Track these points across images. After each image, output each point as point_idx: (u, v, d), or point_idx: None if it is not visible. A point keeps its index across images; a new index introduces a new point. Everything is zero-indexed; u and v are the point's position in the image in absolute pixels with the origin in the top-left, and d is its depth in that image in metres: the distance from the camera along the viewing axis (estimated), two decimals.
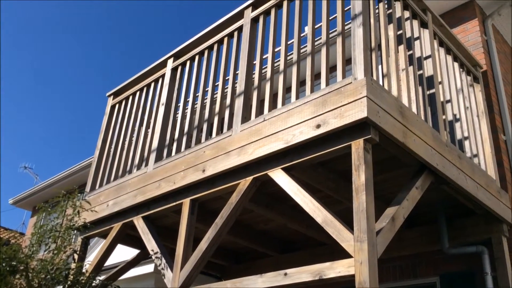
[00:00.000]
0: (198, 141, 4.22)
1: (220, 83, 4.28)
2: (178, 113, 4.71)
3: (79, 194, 4.79)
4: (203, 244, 3.55)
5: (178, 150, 4.33)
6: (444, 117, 3.92)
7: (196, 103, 4.50)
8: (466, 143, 4.14)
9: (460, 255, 4.26)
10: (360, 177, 2.73)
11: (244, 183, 3.50)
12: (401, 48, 3.66)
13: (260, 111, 3.76)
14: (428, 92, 3.81)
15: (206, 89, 4.49)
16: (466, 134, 4.16)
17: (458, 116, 4.16)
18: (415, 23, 4.04)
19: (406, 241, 4.48)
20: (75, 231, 4.34)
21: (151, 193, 4.20)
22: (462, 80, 4.48)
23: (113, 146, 5.25)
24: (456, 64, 4.47)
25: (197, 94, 4.59)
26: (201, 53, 4.63)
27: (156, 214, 4.30)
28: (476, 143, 4.24)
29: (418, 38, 3.99)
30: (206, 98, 4.44)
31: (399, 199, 3.05)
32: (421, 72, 3.81)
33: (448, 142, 3.64)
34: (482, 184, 3.86)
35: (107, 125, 5.55)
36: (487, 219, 4.07)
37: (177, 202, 3.99)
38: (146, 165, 4.58)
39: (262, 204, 4.36)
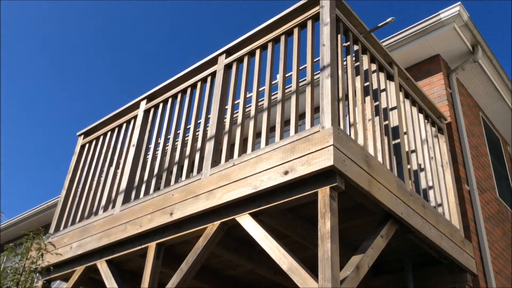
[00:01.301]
0: (168, 183, 4.20)
1: (192, 126, 4.32)
2: (148, 155, 4.70)
3: (44, 236, 4.67)
4: None
5: (147, 192, 4.30)
6: (409, 166, 4.02)
7: (167, 146, 4.51)
8: (431, 192, 4.24)
9: None
10: (325, 224, 2.76)
11: (212, 227, 3.48)
12: (368, 99, 3.79)
13: (230, 155, 3.79)
14: (393, 142, 3.93)
15: (178, 132, 4.52)
16: (430, 184, 4.27)
17: (422, 166, 4.28)
18: (382, 75, 4.21)
19: None
20: (37, 274, 4.19)
21: (116, 236, 4.12)
22: (427, 131, 4.63)
23: (80, 186, 5.17)
24: (421, 116, 4.64)
25: (168, 137, 4.61)
26: (174, 96, 4.69)
27: (121, 257, 4.21)
28: (440, 193, 4.34)
29: (385, 90, 4.15)
30: (177, 141, 4.46)
31: (364, 247, 3.07)
32: (387, 122, 3.93)
33: (413, 191, 3.72)
34: (446, 234, 3.93)
35: (76, 165, 5.48)
36: (452, 268, 4.13)
37: (143, 246, 3.92)
38: (113, 207, 4.51)
39: (230, 249, 4.32)
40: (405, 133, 4.23)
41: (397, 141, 3.93)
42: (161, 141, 4.59)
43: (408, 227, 3.47)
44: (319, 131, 3.07)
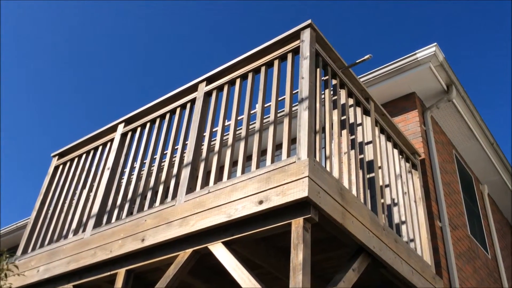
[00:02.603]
0: (141, 209, 4.14)
1: (168, 152, 4.30)
2: (123, 179, 4.65)
3: (8, 256, 4.52)
4: None
5: (119, 217, 4.23)
6: (382, 200, 4.07)
7: (143, 170, 4.47)
8: (403, 227, 4.28)
9: None
10: (298, 256, 2.75)
11: (183, 255, 3.43)
12: (344, 132, 3.85)
13: (205, 183, 3.77)
14: (368, 176, 3.98)
15: (154, 157, 4.50)
16: (403, 219, 4.31)
17: (396, 201, 4.33)
18: (358, 110, 4.29)
19: None
20: None
21: (85, 260, 4.02)
22: (401, 167, 4.71)
23: (51, 208, 5.06)
24: (395, 151, 4.72)
25: (144, 161, 4.58)
26: (152, 121, 4.68)
27: (89, 283, 4.09)
28: (413, 228, 4.39)
29: (361, 124, 4.22)
30: (153, 166, 4.43)
31: (336, 280, 3.07)
32: (362, 156, 3.99)
33: (386, 226, 3.75)
34: (417, 269, 3.95)
35: (48, 186, 5.37)
36: None
37: (112, 272, 3.83)
38: (84, 230, 4.42)
39: (202, 278, 4.26)
40: (380, 167, 4.30)
41: (371, 175, 3.98)
42: (137, 165, 4.56)
43: (380, 261, 3.49)
44: (295, 162, 3.09)
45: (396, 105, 5.88)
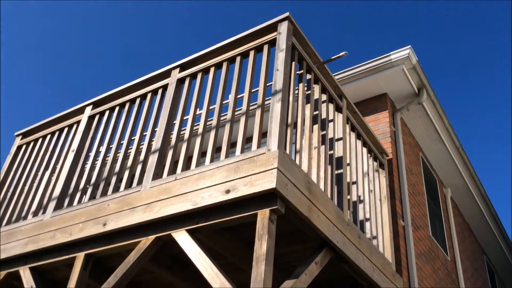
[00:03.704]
0: (104, 194, 4.05)
1: (136, 138, 4.22)
2: (87, 163, 4.54)
3: None
4: None
5: (81, 200, 4.13)
6: (349, 197, 4.10)
7: (109, 155, 4.38)
8: (367, 224, 4.33)
9: None
10: (262, 246, 2.74)
11: (146, 241, 3.38)
12: (316, 127, 3.86)
13: (173, 171, 3.72)
14: (336, 172, 4.00)
15: (122, 142, 4.40)
16: (368, 216, 4.36)
17: (362, 198, 4.37)
18: (331, 106, 4.31)
19: None
20: None
21: (44, 242, 3.91)
22: (369, 165, 4.76)
23: (11, 189, 4.90)
24: (365, 149, 4.77)
25: (111, 146, 4.48)
26: (122, 105, 4.58)
27: (47, 266, 3.98)
28: (376, 226, 4.44)
29: (332, 120, 4.24)
30: (120, 152, 4.34)
31: (297, 272, 3.07)
32: (331, 152, 4.01)
33: (350, 222, 3.78)
34: (378, 266, 4.01)
35: (10, 166, 5.20)
36: None
37: (70, 256, 3.73)
38: (44, 212, 4.30)
39: (163, 266, 4.21)
40: (348, 164, 4.33)
41: (340, 171, 4.01)
42: (103, 149, 4.45)
43: (342, 256, 3.51)
44: (264, 153, 3.07)
45: (368, 105, 5.94)
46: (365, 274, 3.75)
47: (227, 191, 3.05)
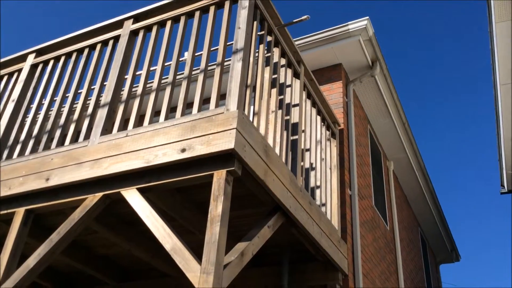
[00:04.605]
0: (47, 148, 3.81)
1: (84, 91, 3.97)
2: (28, 116, 4.25)
3: None
4: (31, 261, 3.14)
5: (22, 153, 3.86)
6: (302, 163, 4.11)
7: (52, 109, 4.11)
8: (318, 191, 4.37)
9: None
10: (217, 208, 2.67)
11: (92, 199, 3.22)
12: (274, 91, 3.79)
13: (123, 128, 3.54)
14: (291, 138, 3.97)
15: (67, 95, 4.14)
16: (318, 183, 4.40)
17: (314, 166, 4.39)
18: (289, 71, 4.24)
19: (248, 279, 4.50)
20: None
21: None
22: (322, 134, 4.78)
23: None
24: (319, 118, 4.77)
25: (55, 98, 4.20)
26: (68, 55, 4.29)
27: None
28: (325, 193, 4.50)
29: (290, 86, 4.19)
30: (65, 106, 4.08)
31: (250, 235, 3.05)
32: (288, 117, 3.97)
33: (302, 188, 3.79)
34: (326, 232, 4.07)
35: None
36: (326, 266, 4.29)
37: (9, 211, 3.50)
38: None
39: (108, 225, 4.06)
40: (303, 131, 4.32)
41: (295, 137, 3.99)
42: (46, 102, 4.17)
43: (294, 221, 3.53)
44: (223, 112, 2.98)
45: (323, 74, 5.94)
46: (314, 239, 3.80)
47: (183, 150, 2.94)
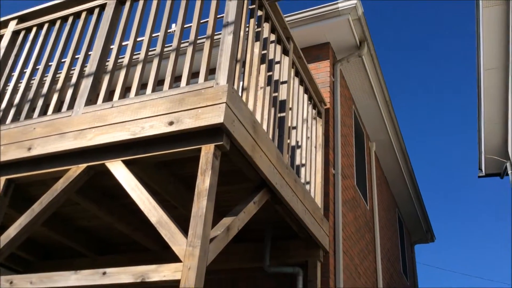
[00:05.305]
0: (29, 118, 3.72)
1: (67, 60, 3.87)
2: (9, 84, 4.13)
3: None
4: (12, 231, 3.09)
5: (3, 122, 3.76)
6: (288, 141, 4.10)
7: (34, 78, 3.99)
8: (302, 169, 4.38)
9: (278, 274, 4.45)
10: (204, 182, 2.66)
11: (76, 170, 3.17)
12: (263, 67, 3.75)
13: (109, 100, 3.47)
14: (279, 115, 3.95)
15: (50, 64, 4.03)
16: (303, 162, 4.41)
17: (300, 144, 4.40)
18: (278, 48, 4.20)
19: (231, 255, 4.53)
20: None
21: None
22: (308, 112, 4.77)
23: None
24: (306, 96, 4.76)
25: (38, 67, 4.08)
26: (52, 22, 4.15)
27: None
28: (310, 172, 4.52)
29: (279, 62, 4.15)
30: (47, 75, 3.97)
31: (236, 210, 3.05)
32: (276, 94, 3.94)
33: (288, 165, 3.80)
34: (309, 210, 4.10)
35: None
36: (308, 243, 4.34)
37: None
38: None
39: (90, 198, 4.02)
40: (290, 109, 4.30)
41: (282, 114, 3.97)
42: (28, 70, 4.05)
43: (279, 197, 3.54)
44: (212, 86, 2.94)
45: (310, 53, 5.90)
46: (298, 216, 3.83)
47: (171, 123, 2.90)
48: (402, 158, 8.62)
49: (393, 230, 8.87)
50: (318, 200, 4.55)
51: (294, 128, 4.32)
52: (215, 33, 4.28)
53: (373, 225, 6.93)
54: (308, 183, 4.45)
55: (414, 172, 9.30)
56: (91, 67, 3.66)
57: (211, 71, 3.60)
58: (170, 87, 3.18)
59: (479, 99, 7.84)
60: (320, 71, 5.74)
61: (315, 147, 4.79)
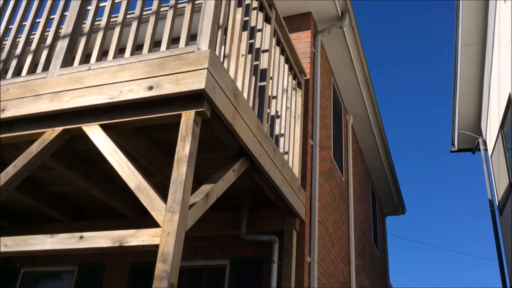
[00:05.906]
0: (2, 79, 3.59)
1: (42, 21, 3.73)
2: None
3: None
4: None
5: None
6: (268, 110, 4.09)
7: (7, 39, 3.84)
8: (281, 139, 4.39)
9: (254, 242, 4.50)
10: (184, 148, 2.63)
11: (51, 133, 3.09)
12: (245, 34, 3.69)
13: (85, 62, 3.37)
14: (259, 84, 3.92)
15: (24, 24, 3.88)
16: (282, 132, 4.41)
17: (279, 113, 4.39)
18: (260, 15, 4.13)
19: (207, 222, 4.55)
20: None
21: None
22: (289, 82, 4.75)
23: None
24: (286, 66, 4.72)
25: (10, 26, 3.93)
26: None
27: None
28: (289, 142, 4.53)
29: (260, 30, 4.09)
30: (21, 36, 3.82)
31: (215, 178, 3.04)
32: (257, 63, 3.90)
33: (268, 135, 3.79)
34: (287, 179, 4.13)
35: None
36: (284, 212, 4.38)
37: None
38: None
39: (65, 163, 3.95)
40: (271, 78, 4.27)
41: (263, 83, 3.94)
42: (0, 30, 3.89)
43: (258, 166, 3.54)
44: (194, 51, 2.88)
45: (292, 22, 5.83)
46: (276, 185, 3.85)
47: (150, 88, 2.84)
48: (378, 133, 8.72)
49: (367, 202, 9.05)
50: (296, 170, 4.58)
51: (274, 97, 4.30)
52: None
53: (347, 196, 7.04)
54: (287, 153, 4.46)
55: (389, 146, 9.44)
56: (67, 28, 3.55)
57: (192, 38, 3.52)
58: (150, 51, 3.11)
59: (455, 74, 7.94)
60: (301, 41, 5.69)
61: (294, 118, 4.79)
